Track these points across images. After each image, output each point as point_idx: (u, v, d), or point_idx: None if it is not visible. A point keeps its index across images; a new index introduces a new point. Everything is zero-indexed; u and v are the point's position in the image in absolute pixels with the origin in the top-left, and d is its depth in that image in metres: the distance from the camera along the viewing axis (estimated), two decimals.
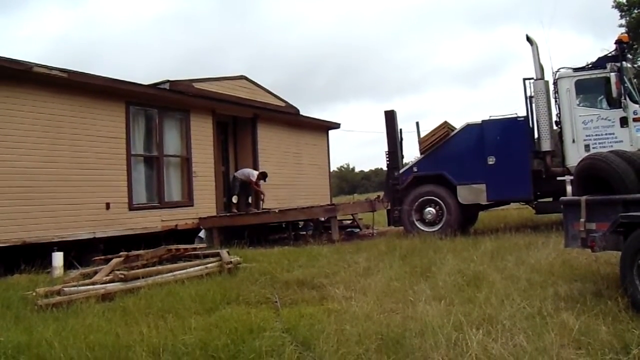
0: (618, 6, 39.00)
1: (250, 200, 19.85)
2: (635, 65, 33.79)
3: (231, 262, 10.54)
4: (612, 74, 13.63)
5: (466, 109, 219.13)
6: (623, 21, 38.75)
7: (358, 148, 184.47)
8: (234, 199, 19.40)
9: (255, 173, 19.49)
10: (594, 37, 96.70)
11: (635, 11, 38.18)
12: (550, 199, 14.95)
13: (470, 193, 15.12)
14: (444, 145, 15.62)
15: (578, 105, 14.47)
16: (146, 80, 17.84)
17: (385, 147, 16.62)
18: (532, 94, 14.85)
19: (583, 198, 7.00)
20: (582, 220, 6.86)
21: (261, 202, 19.98)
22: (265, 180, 19.72)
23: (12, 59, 13.23)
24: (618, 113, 13.96)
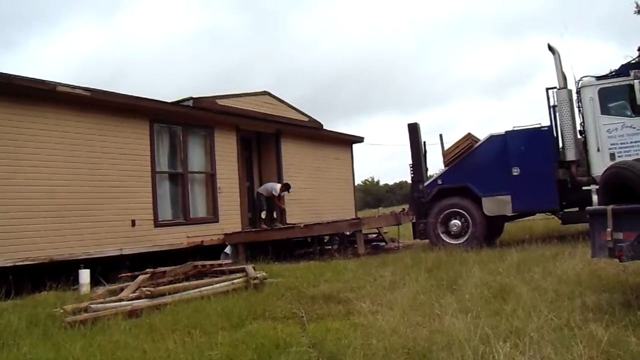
0: None
1: (275, 215, 19.89)
2: None
3: (257, 277, 10.55)
4: (636, 81, 13.47)
5: (492, 120, 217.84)
6: None
7: (383, 161, 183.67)
8: (263, 215, 19.46)
9: (278, 186, 19.52)
10: (618, 45, 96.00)
11: None
12: (577, 209, 14.80)
13: (495, 204, 15.03)
14: (468, 157, 15.57)
15: (602, 113, 14.31)
16: (175, 98, 18.05)
17: (409, 160, 16.62)
18: (556, 103, 14.76)
19: (609, 207, 6.92)
20: (609, 229, 6.78)
21: (284, 216, 20.04)
22: (289, 192, 19.77)
23: (36, 79, 13.44)
24: None
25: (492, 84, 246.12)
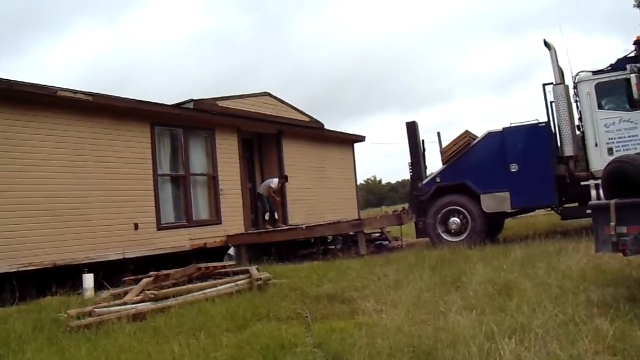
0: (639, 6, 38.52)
1: (276, 215, 19.88)
2: None
3: (261, 278, 10.55)
4: (632, 75, 13.41)
5: (496, 117, 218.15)
6: None
7: (385, 160, 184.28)
8: (266, 216, 19.48)
9: (275, 180, 19.54)
10: (620, 39, 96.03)
11: None
12: (576, 204, 14.81)
13: (494, 201, 15.01)
14: (465, 154, 15.54)
15: (599, 108, 14.30)
16: (181, 101, 18.11)
17: (409, 159, 16.62)
18: (553, 99, 14.75)
19: (612, 201, 6.93)
20: (612, 224, 6.79)
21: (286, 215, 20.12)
22: (287, 181, 19.96)
23: (36, 84, 13.49)
24: None
25: (495, 82, 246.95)
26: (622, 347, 4.95)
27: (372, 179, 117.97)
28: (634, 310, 5.92)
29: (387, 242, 19.47)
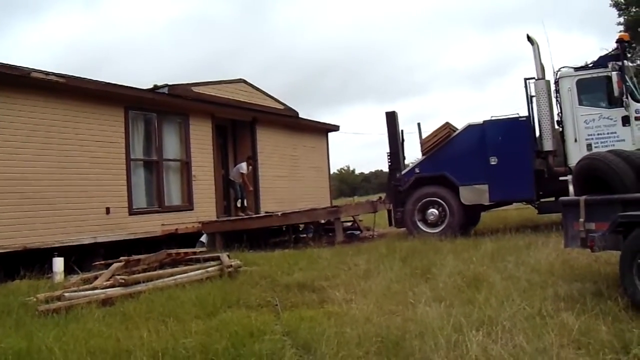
0: (616, 5, 38.98)
1: (245, 202, 19.77)
2: (636, 64, 33.79)
3: (231, 265, 10.53)
4: (614, 73, 13.59)
5: (472, 110, 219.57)
6: (622, 19, 38.74)
7: (359, 150, 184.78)
8: (238, 203, 19.42)
9: (244, 164, 19.49)
10: (597, 38, 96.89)
11: (634, 9, 38.16)
12: (553, 199, 14.90)
13: (472, 194, 15.07)
14: (445, 146, 15.56)
15: (579, 104, 14.41)
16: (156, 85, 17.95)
17: (386, 149, 16.62)
18: (534, 93, 14.82)
19: (582, 198, 7.00)
20: (582, 220, 6.86)
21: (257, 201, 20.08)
22: (255, 161, 20.19)
23: (9, 64, 13.26)
24: (620, 112, 13.91)
25: (472, 75, 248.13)
26: (586, 341, 5.01)
27: (346, 168, 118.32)
28: (599, 305, 6.00)
29: (358, 232, 19.49)
